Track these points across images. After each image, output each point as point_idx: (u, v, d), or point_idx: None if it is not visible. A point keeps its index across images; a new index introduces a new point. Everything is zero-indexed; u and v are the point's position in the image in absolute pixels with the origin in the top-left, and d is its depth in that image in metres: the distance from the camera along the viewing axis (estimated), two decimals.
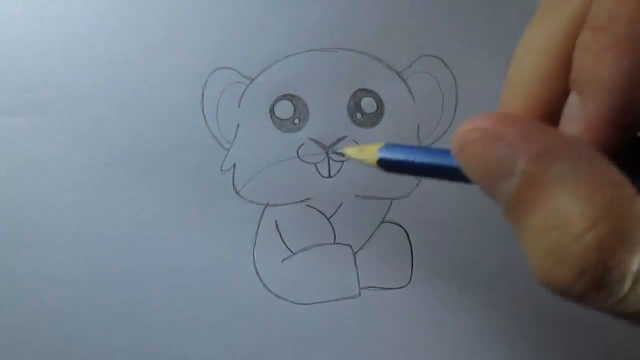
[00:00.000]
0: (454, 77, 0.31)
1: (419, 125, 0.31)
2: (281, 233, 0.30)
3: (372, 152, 0.19)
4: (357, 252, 0.30)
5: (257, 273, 0.30)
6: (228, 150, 0.30)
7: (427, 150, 0.19)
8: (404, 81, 0.31)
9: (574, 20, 0.15)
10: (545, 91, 0.15)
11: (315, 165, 0.30)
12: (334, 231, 0.30)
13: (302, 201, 0.30)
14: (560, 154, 0.13)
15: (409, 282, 0.30)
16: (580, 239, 0.12)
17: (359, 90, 0.30)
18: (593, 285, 0.13)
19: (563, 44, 0.15)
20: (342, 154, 0.20)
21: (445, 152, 0.18)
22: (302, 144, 0.30)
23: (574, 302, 0.13)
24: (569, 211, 0.13)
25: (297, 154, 0.30)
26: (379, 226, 0.30)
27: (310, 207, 0.30)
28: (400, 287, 0.30)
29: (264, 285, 0.30)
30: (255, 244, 0.30)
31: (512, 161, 0.13)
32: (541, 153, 0.13)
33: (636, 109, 0.14)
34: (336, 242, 0.30)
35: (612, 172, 0.13)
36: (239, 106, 0.30)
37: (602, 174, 0.13)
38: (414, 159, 0.19)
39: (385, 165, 0.19)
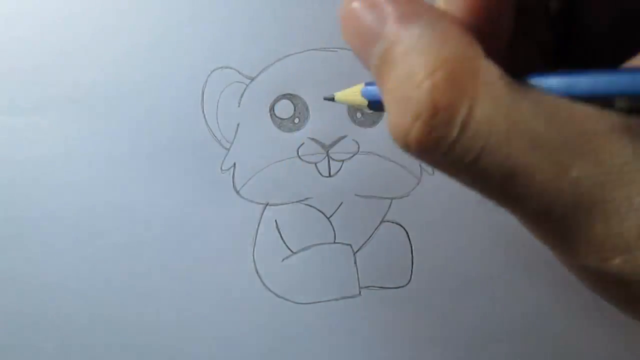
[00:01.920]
0: None
1: None
2: (281, 233, 0.30)
3: (357, 91, 0.20)
4: (357, 251, 0.30)
5: (257, 273, 0.30)
6: (228, 150, 0.30)
7: None
8: None
9: None
10: None
11: (315, 164, 0.30)
12: (334, 231, 0.30)
13: (302, 201, 0.30)
14: (420, 16, 0.14)
15: (409, 282, 0.30)
16: (419, 86, 0.13)
17: None
18: (425, 127, 0.13)
19: None
20: (332, 99, 0.22)
21: None
22: (302, 144, 0.30)
23: (417, 157, 0.14)
24: (416, 66, 0.14)
25: (297, 153, 0.30)
26: (379, 226, 0.30)
27: (311, 206, 0.30)
28: (400, 287, 0.30)
29: (264, 285, 0.30)
30: (255, 243, 0.30)
31: (382, 26, 0.14)
32: (404, 15, 0.14)
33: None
34: (336, 241, 0.30)
35: (461, 34, 0.14)
36: (239, 106, 0.30)
37: (451, 34, 0.14)
38: None
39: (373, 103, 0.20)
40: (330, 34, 0.30)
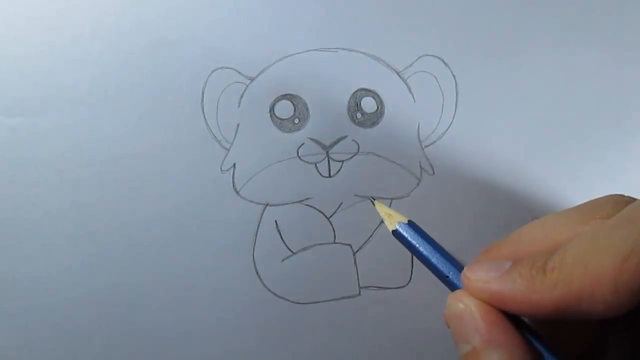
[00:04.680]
0: (454, 77, 0.31)
1: (419, 124, 0.31)
2: (281, 233, 0.30)
3: (394, 220, 0.22)
4: (357, 251, 0.30)
5: (257, 273, 0.30)
6: (228, 150, 0.30)
7: (438, 251, 0.22)
8: (404, 81, 0.31)
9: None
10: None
11: (315, 165, 0.30)
12: (333, 231, 0.30)
13: (302, 201, 0.30)
14: (502, 347, 0.18)
15: (408, 282, 0.30)
16: None
17: (359, 90, 0.30)
18: None
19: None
20: (372, 202, 0.24)
21: (447, 261, 0.22)
22: (302, 144, 0.30)
23: None
24: None
25: (297, 153, 0.30)
26: (379, 226, 0.30)
27: (310, 206, 0.30)
28: (400, 287, 0.30)
29: (264, 285, 0.30)
30: (255, 244, 0.30)
31: (473, 336, 0.19)
32: (490, 341, 0.18)
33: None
34: (336, 241, 0.30)
35: None
36: (239, 106, 0.30)
37: None
38: (422, 250, 0.22)
39: (398, 237, 0.22)
40: (330, 34, 0.30)
